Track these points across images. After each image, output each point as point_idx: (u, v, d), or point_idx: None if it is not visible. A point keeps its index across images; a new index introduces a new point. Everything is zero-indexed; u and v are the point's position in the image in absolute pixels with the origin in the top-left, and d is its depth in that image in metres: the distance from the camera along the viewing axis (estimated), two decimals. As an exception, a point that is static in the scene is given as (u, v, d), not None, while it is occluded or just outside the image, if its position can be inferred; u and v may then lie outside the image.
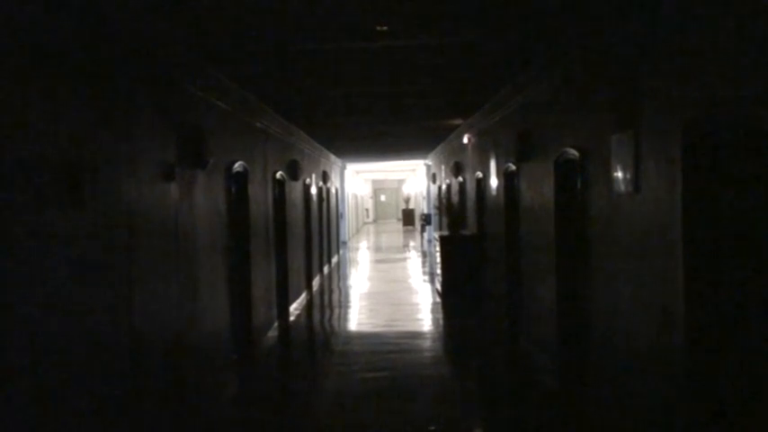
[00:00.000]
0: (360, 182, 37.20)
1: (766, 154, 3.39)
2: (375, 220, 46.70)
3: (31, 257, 3.15)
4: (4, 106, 2.99)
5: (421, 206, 30.56)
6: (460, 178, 13.53)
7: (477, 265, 11.51)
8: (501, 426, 5.87)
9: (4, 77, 3.00)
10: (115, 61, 4.24)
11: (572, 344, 6.09)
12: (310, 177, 14.20)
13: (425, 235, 26.32)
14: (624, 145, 4.42)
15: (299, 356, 8.85)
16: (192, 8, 4.48)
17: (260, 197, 8.63)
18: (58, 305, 3.37)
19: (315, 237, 14.65)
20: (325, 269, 16.66)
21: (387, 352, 8.34)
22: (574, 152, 5.66)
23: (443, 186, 17.21)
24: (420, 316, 11.07)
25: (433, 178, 20.55)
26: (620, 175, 4.53)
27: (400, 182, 43.88)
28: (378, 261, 20.55)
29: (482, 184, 10.88)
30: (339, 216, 22.86)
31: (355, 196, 34.00)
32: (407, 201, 41.08)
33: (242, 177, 7.62)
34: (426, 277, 15.61)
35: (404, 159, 24.43)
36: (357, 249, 24.93)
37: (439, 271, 12.59)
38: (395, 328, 9.87)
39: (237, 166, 7.26)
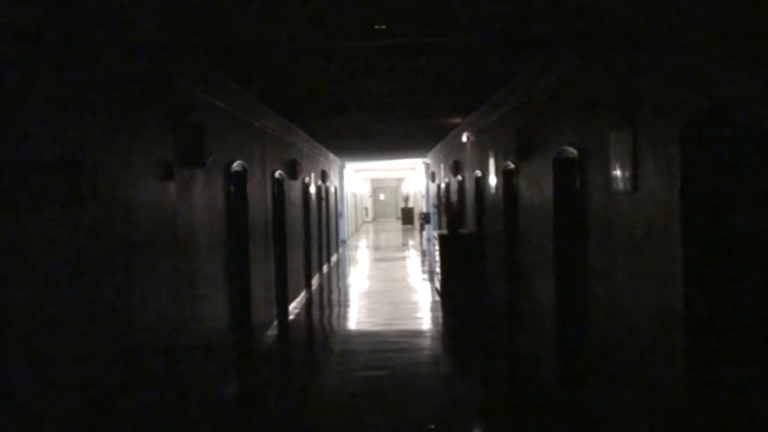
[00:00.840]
0: (359, 180, 37.21)
1: (765, 151, 3.40)
2: (374, 219, 46.70)
3: (30, 256, 3.15)
4: (2, 105, 2.99)
5: (420, 205, 30.57)
6: (459, 177, 13.53)
7: (477, 264, 11.52)
8: (500, 424, 5.87)
9: (3, 77, 3.01)
10: (114, 60, 4.24)
11: (571, 342, 6.10)
12: (309, 176, 14.20)
13: (425, 234, 26.32)
14: (623, 143, 4.42)
15: (299, 355, 8.86)
16: (190, 7, 4.48)
17: (259, 196, 8.63)
18: (56, 304, 3.37)
19: (314, 235, 14.65)
20: (325, 268, 16.66)
21: (386, 350, 8.35)
22: (573, 150, 5.66)
23: (442, 185, 17.22)
24: (419, 314, 11.07)
25: (432, 177, 20.55)
26: (618, 173, 4.53)
27: (399, 180, 43.89)
28: (377, 260, 20.56)
29: (481, 182, 10.89)
30: (338, 215, 22.86)
31: (354, 195, 34.00)
32: (406, 199, 41.09)
33: (241, 176, 7.62)
34: (425, 276, 15.61)
35: (403, 158, 24.42)
36: (356, 248, 24.94)
37: (438, 269, 12.60)
38: (394, 327, 9.88)
39: (236, 165, 7.26)
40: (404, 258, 20.59)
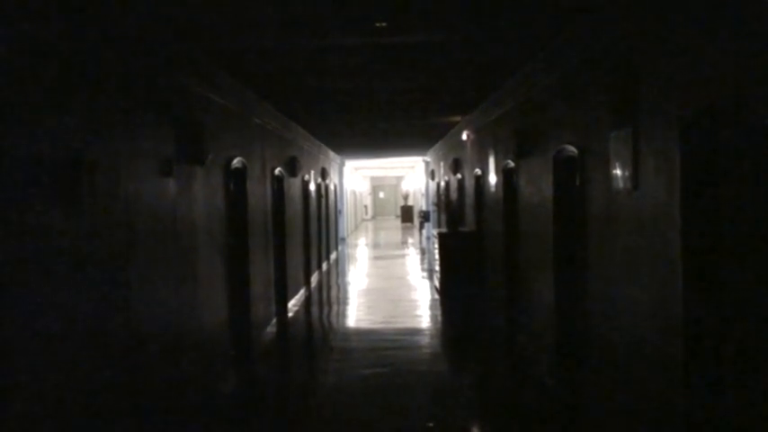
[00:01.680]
0: (358, 178, 37.20)
1: (765, 150, 3.39)
2: (374, 217, 46.70)
3: (29, 254, 3.15)
4: (2, 104, 2.99)
5: (420, 203, 30.57)
6: (459, 175, 13.53)
7: (476, 262, 11.52)
8: (499, 422, 5.87)
9: (2, 75, 3.00)
10: (113, 57, 4.23)
11: (570, 340, 6.10)
12: (309, 174, 14.19)
13: (424, 232, 26.33)
14: (623, 142, 4.42)
15: (298, 352, 8.86)
16: (190, 4, 4.47)
17: (258, 193, 8.63)
18: (55, 301, 3.37)
19: (313, 233, 14.65)
20: (324, 265, 16.66)
21: (385, 348, 8.35)
22: (572, 149, 5.66)
23: (442, 183, 17.21)
24: (418, 312, 11.08)
25: (432, 175, 20.55)
26: (618, 171, 4.53)
27: (399, 179, 43.87)
28: (376, 258, 20.56)
29: (481, 180, 10.89)
30: (338, 213, 22.85)
31: (354, 193, 34.00)
32: (406, 198, 41.08)
33: (240, 174, 7.62)
34: (425, 274, 15.62)
35: (403, 156, 24.42)
36: (356, 246, 24.94)
37: (437, 268, 12.60)
38: (393, 325, 9.88)
39: (236, 162, 7.26)
40: (403, 256, 20.59)
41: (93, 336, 3.77)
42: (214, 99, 6.47)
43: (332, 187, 20.52)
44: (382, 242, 27.08)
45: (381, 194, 47.86)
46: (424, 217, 25.80)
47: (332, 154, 19.59)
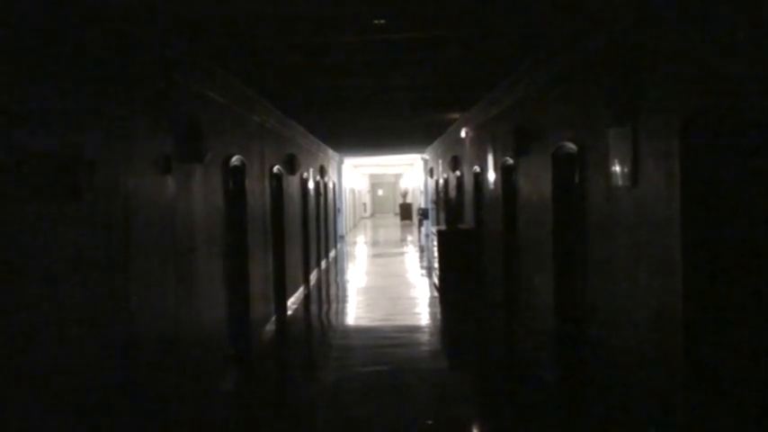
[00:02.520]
0: (357, 176, 37.18)
1: (765, 147, 3.39)
2: (372, 215, 46.68)
3: (27, 251, 3.14)
4: (1, 102, 2.98)
5: (418, 200, 30.56)
6: (458, 172, 13.52)
7: (475, 259, 11.52)
8: (498, 419, 5.87)
9: (2, 72, 2.99)
10: (112, 55, 4.22)
11: (569, 337, 6.10)
12: (308, 171, 14.18)
13: (423, 229, 26.32)
14: (622, 138, 4.41)
15: (297, 351, 8.85)
16: (188, 1, 4.46)
17: (257, 191, 8.62)
18: (54, 298, 3.36)
19: (312, 231, 14.64)
20: (323, 263, 16.65)
21: (384, 346, 8.34)
22: (572, 146, 5.65)
23: (441, 181, 17.20)
24: (417, 310, 11.07)
25: (431, 173, 20.54)
26: (618, 168, 4.52)
27: (398, 176, 43.84)
28: (375, 255, 20.55)
29: (480, 178, 10.88)
30: (336, 210, 22.84)
31: (353, 191, 33.98)
32: (405, 195, 41.06)
33: (239, 171, 7.61)
34: (424, 271, 15.61)
35: (401, 154, 24.41)
36: (355, 244, 24.93)
37: (436, 265, 12.60)
38: (392, 323, 9.87)
39: (235, 159, 7.25)
40: (402, 254, 20.59)
41: (90, 334, 3.76)
42: (212, 97, 6.46)
43: (330, 185, 20.51)
44: (381, 240, 27.07)
45: (380, 192, 47.84)
46: (423, 214, 25.80)
47: (330, 152, 19.58)
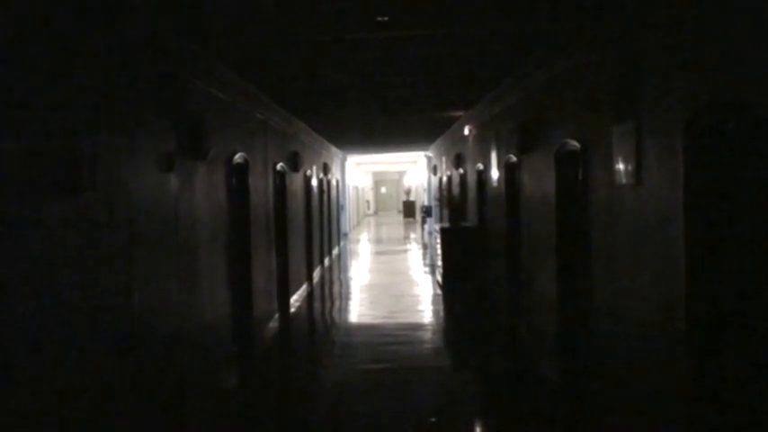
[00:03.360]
0: (360, 174, 37.18)
1: (769, 145, 3.38)
2: (376, 212, 46.69)
3: (30, 248, 3.15)
4: (3, 97, 2.98)
5: (422, 198, 30.55)
6: (461, 170, 13.51)
7: (478, 257, 11.51)
8: (501, 417, 5.87)
9: (4, 68, 2.99)
10: (114, 50, 4.21)
11: (572, 335, 6.09)
12: (311, 169, 14.18)
13: (426, 227, 26.31)
14: (626, 136, 4.40)
15: (300, 348, 8.86)
16: (191, -2, 4.46)
17: (260, 188, 8.62)
18: (56, 296, 3.36)
19: (315, 228, 14.65)
20: (326, 261, 16.66)
21: (387, 343, 8.35)
22: (575, 143, 5.64)
23: (444, 178, 17.19)
24: (420, 307, 11.07)
25: (434, 170, 20.53)
26: (621, 166, 4.51)
27: (401, 174, 43.84)
28: (378, 253, 20.56)
29: (483, 175, 10.87)
30: (340, 208, 22.84)
31: (356, 188, 33.98)
32: (408, 193, 41.06)
33: (242, 168, 7.61)
34: (427, 269, 15.61)
35: (405, 151, 24.39)
36: (358, 241, 24.94)
37: (439, 262, 12.59)
38: (395, 320, 9.88)
39: (238, 157, 7.25)
40: (405, 251, 20.58)
41: (93, 330, 3.76)
42: (215, 94, 6.45)
43: (334, 182, 20.50)
44: (384, 237, 27.07)
45: (383, 190, 47.85)
46: (426, 212, 25.78)
47: (334, 149, 19.57)
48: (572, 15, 5.04)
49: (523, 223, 7.88)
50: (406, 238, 25.90)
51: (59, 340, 3.37)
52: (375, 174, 44.89)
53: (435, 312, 10.62)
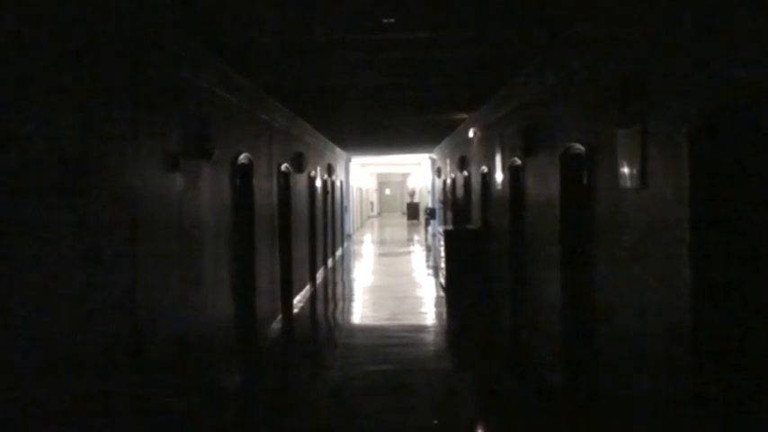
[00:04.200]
0: (365, 175, 37.18)
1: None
2: (380, 214, 46.69)
3: (34, 248, 3.15)
4: (8, 98, 2.98)
5: (426, 200, 30.54)
6: (465, 172, 13.50)
7: (482, 260, 11.50)
8: (503, 420, 5.86)
9: (7, 69, 3.00)
10: (119, 51, 4.22)
11: (576, 339, 6.07)
12: (315, 170, 14.19)
13: (430, 229, 26.30)
14: (631, 140, 4.39)
15: (303, 349, 8.86)
16: (197, -2, 4.47)
17: (265, 189, 8.62)
18: (60, 296, 3.36)
19: (319, 229, 14.65)
20: (330, 262, 16.66)
21: (390, 345, 8.34)
22: (580, 147, 5.63)
23: (448, 180, 17.18)
24: (423, 309, 11.07)
25: (438, 172, 20.52)
26: (626, 170, 4.50)
27: (405, 175, 43.83)
28: (382, 254, 20.55)
29: (487, 178, 10.86)
30: (344, 209, 22.85)
31: (360, 189, 33.98)
32: (412, 194, 41.04)
33: (247, 169, 7.61)
34: (430, 271, 15.60)
35: (409, 153, 24.39)
36: (361, 242, 24.94)
37: (443, 265, 12.58)
38: (398, 322, 9.87)
39: (242, 157, 7.25)
40: (409, 253, 20.58)
41: (96, 330, 3.77)
42: (220, 94, 6.46)
43: (338, 183, 20.51)
44: (388, 239, 27.07)
45: (387, 191, 47.85)
46: (430, 214, 25.78)
47: (338, 150, 19.58)
48: (578, 18, 5.03)
49: (527, 226, 7.87)
50: (410, 239, 25.89)
51: (61, 341, 3.37)
52: (379, 175, 44.90)
53: (438, 315, 10.61)
